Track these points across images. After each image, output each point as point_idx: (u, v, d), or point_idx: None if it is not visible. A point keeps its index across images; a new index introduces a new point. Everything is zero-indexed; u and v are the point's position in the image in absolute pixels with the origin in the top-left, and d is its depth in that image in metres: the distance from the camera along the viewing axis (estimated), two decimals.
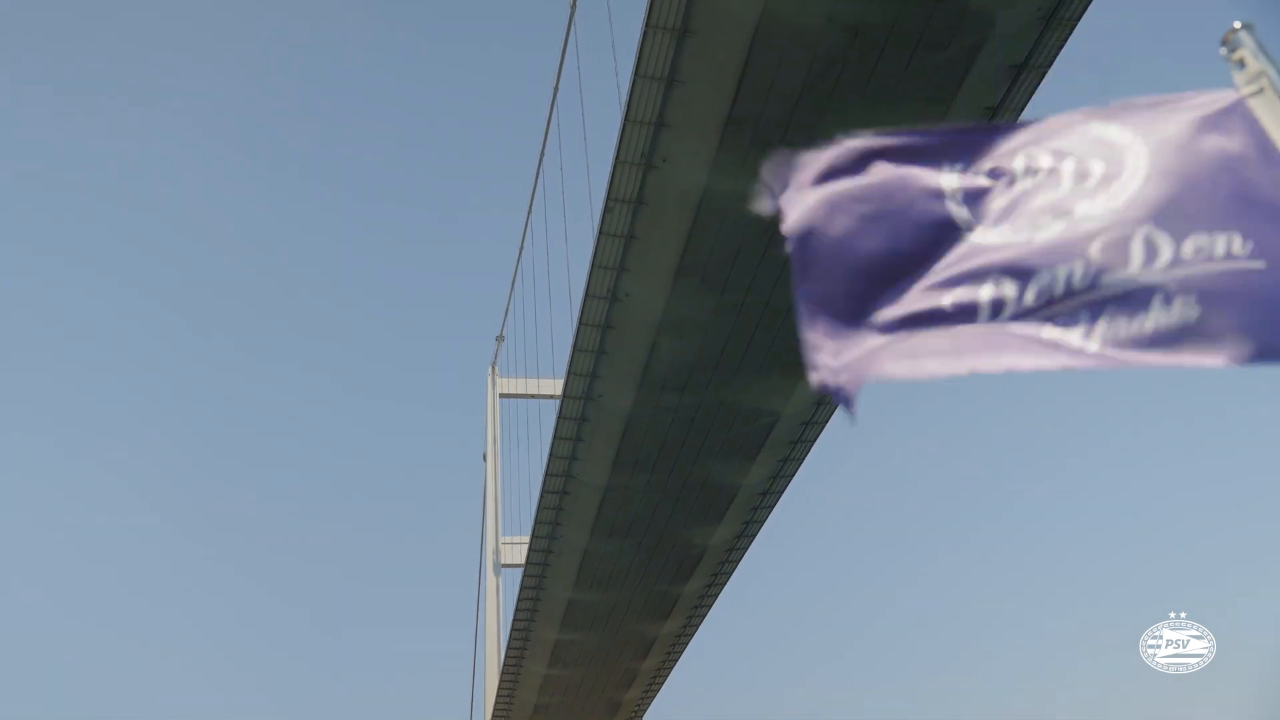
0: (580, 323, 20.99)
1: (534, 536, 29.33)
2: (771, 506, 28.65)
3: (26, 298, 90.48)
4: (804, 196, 3.34)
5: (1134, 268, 2.87)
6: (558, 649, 35.27)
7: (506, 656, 37.78)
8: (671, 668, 39.62)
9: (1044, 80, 16.21)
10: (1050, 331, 2.87)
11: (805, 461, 26.47)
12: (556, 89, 26.97)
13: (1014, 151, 3.30)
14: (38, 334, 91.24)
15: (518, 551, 39.61)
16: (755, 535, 30.09)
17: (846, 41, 15.10)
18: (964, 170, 3.30)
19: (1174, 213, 2.97)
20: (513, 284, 39.26)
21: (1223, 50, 3.20)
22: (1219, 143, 3.09)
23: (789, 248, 3.30)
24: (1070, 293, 2.90)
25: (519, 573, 33.28)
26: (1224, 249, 2.85)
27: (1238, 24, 3.14)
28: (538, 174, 31.23)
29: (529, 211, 33.48)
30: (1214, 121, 3.13)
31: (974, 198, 3.27)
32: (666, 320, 20.30)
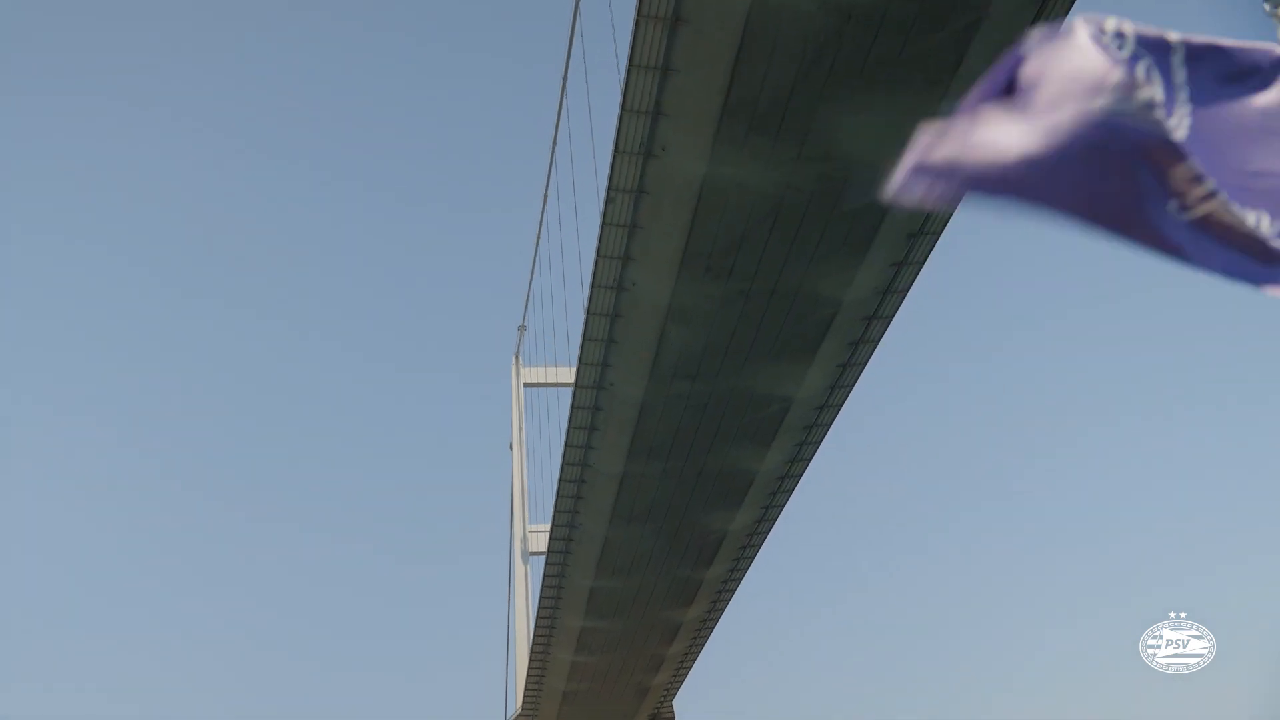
0: (589, 312, 21.12)
1: (554, 525, 29.60)
2: (790, 490, 28.69)
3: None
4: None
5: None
6: (583, 636, 35.58)
7: (534, 644, 38.18)
8: (699, 652, 39.83)
9: None
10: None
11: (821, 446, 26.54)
12: (565, 79, 27.05)
13: None
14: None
15: (545, 540, 40.05)
16: (775, 519, 30.16)
17: (839, 25, 15.02)
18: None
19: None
20: (531, 274, 39.54)
21: (1266, 6, 3.22)
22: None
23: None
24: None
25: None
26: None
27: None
28: (550, 165, 31.41)
29: (544, 202, 33.72)
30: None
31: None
32: (674, 308, 20.36)
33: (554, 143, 30.52)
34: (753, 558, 32.26)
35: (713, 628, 37.21)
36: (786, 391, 23.36)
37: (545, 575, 32.54)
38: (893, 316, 21.52)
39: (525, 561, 46.32)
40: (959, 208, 15.27)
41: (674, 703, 45.32)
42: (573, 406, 24.31)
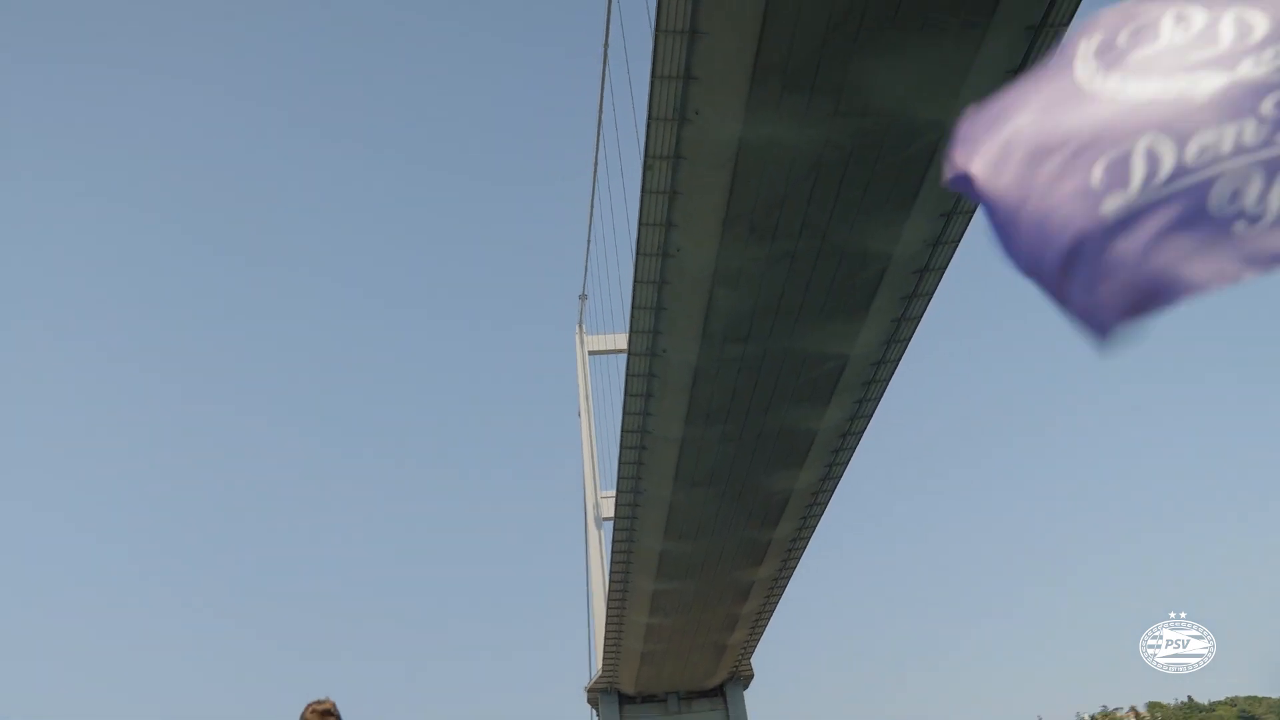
0: (636, 280, 21.12)
1: (619, 491, 29.89)
2: (853, 448, 28.48)
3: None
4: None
5: None
6: (657, 598, 35.97)
7: (609, 607, 38.77)
8: (773, 610, 40.00)
9: None
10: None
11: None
12: (606, 48, 26.92)
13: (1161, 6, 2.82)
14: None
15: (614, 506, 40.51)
16: (840, 476, 30.00)
17: None
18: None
19: None
20: (588, 244, 39.69)
21: None
22: None
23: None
24: (1241, 149, 2.45)
25: None
26: None
27: None
28: (598, 136, 31.36)
29: (594, 171, 33.74)
30: None
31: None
32: (720, 271, 20.25)
33: (599, 114, 30.49)
34: (820, 515, 32.17)
35: (785, 585, 37.30)
36: (841, 349, 23.11)
37: (614, 540, 32.94)
38: (945, 268, 21.09)
39: (599, 527, 46.94)
40: None
41: (751, 660, 45.68)
42: (627, 374, 24.43)
